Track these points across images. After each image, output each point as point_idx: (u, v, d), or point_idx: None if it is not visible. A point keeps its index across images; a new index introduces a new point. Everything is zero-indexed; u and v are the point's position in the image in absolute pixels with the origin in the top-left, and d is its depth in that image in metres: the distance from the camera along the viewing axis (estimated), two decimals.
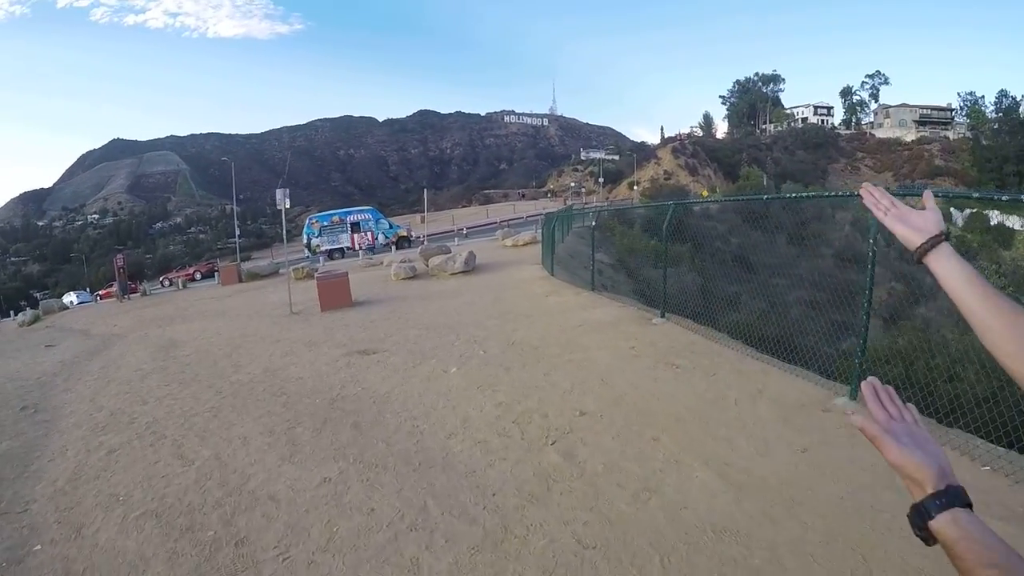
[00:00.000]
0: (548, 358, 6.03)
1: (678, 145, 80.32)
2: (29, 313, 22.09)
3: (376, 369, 6.42)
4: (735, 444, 3.63)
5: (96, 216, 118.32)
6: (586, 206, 40.17)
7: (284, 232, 14.12)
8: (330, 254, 29.10)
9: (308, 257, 29.09)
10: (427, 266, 15.87)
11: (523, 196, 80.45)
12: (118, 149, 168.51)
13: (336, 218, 30.56)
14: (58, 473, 4.32)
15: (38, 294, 47.81)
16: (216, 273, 25.92)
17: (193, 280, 31.39)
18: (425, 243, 22.71)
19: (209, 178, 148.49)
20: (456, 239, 27.50)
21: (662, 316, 7.23)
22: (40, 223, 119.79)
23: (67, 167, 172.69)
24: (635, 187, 71.90)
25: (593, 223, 9.73)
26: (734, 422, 3.97)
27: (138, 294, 24.12)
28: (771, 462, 3.36)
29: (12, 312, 26.40)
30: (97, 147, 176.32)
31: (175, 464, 4.25)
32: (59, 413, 6.12)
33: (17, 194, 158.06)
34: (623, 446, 3.77)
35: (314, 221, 30.33)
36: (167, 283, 32.33)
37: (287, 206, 11.71)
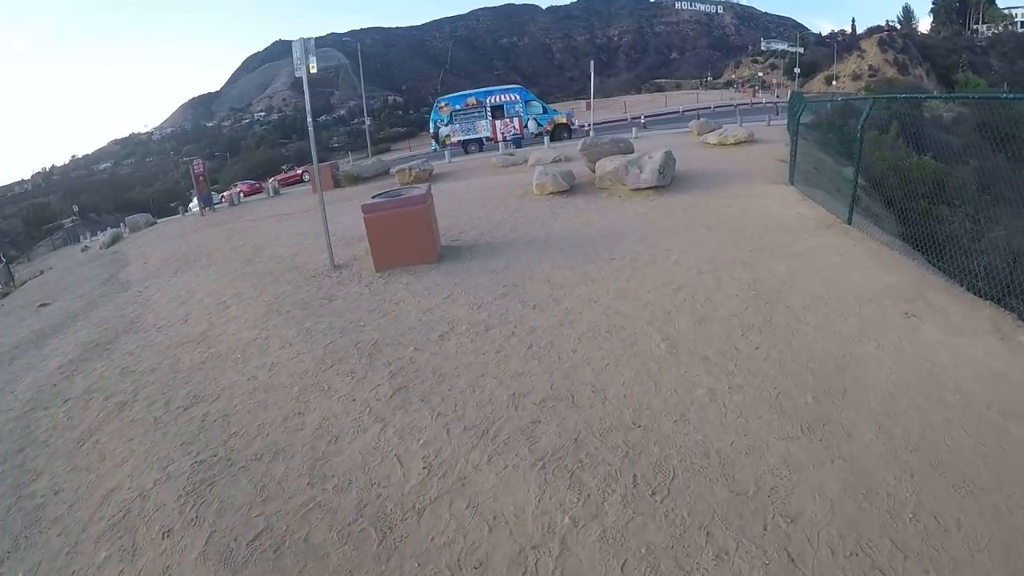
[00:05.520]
0: None
1: (885, 37, 65.82)
2: (109, 233, 19.69)
3: None
4: None
5: (263, 113, 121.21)
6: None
7: (309, 118, 7.81)
8: (464, 147, 22.69)
9: (435, 151, 22.85)
10: (592, 171, 9.90)
11: (703, 85, 74.10)
12: (280, 50, 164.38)
13: (472, 99, 23.05)
14: None
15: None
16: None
17: (302, 182, 26.38)
18: (591, 134, 15.53)
19: (369, 71, 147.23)
20: (633, 130, 18.90)
21: None
22: (209, 124, 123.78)
23: (232, 71, 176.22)
24: (834, 82, 60.75)
25: None
26: None
27: (225, 204, 20.59)
28: None
29: (182, 209, 23.65)
30: (260, 50, 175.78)
31: None
32: None
33: (187, 99, 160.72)
34: None
35: (443, 104, 23.24)
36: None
37: (313, 70, 6.93)
